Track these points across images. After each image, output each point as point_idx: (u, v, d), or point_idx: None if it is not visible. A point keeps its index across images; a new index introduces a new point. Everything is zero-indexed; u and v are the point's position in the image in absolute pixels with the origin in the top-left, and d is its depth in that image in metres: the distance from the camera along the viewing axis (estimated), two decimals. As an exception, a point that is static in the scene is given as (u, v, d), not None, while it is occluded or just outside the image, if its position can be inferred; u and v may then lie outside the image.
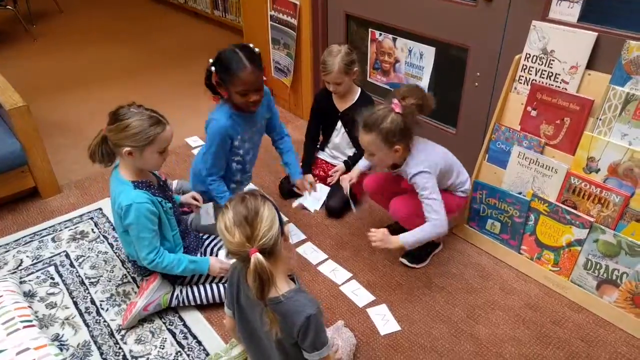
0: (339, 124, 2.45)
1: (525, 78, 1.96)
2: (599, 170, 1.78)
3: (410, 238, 1.78)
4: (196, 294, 1.85)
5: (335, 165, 2.54)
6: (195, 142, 3.00)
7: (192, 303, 1.86)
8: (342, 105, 2.41)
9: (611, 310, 1.82)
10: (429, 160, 1.82)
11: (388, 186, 2.08)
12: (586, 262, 1.86)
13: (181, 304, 1.86)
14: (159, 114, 1.69)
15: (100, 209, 2.43)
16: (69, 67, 4.15)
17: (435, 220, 1.78)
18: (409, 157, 1.84)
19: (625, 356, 1.70)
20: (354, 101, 2.38)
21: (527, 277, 2.03)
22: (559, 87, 1.87)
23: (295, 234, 2.25)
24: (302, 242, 2.23)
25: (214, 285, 1.87)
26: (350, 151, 2.50)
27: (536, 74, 1.92)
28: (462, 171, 2.00)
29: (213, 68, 1.88)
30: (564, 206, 1.87)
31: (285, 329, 1.25)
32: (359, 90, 2.40)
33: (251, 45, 1.90)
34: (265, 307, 1.21)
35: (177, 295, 1.85)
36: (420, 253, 2.10)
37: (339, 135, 2.48)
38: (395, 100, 1.76)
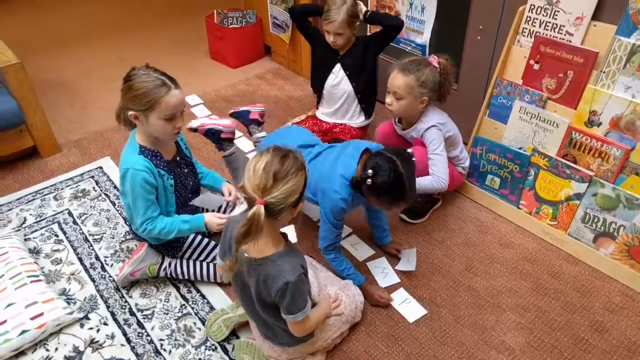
0: (338, 66, 2.37)
1: (529, 30, 1.92)
2: (600, 124, 1.77)
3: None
4: (185, 268, 1.80)
5: (329, 123, 2.51)
6: (194, 100, 2.97)
7: (181, 277, 1.82)
8: (341, 50, 2.35)
9: (607, 262, 1.85)
10: (441, 120, 1.90)
11: (398, 137, 2.09)
12: (584, 216, 1.88)
13: (169, 276, 1.83)
14: (169, 76, 1.56)
15: (101, 167, 2.43)
16: (60, 25, 4.05)
17: (437, 176, 1.86)
18: (423, 116, 1.92)
19: (618, 305, 1.75)
20: (350, 46, 2.34)
21: (525, 231, 2.05)
22: (563, 39, 1.83)
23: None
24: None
25: (204, 264, 1.81)
26: (342, 107, 2.45)
27: (540, 26, 1.88)
28: (464, 148, 2.08)
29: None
30: (564, 160, 1.87)
31: (265, 289, 1.30)
32: (354, 38, 2.35)
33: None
34: (235, 252, 1.24)
35: (166, 267, 1.80)
36: (420, 209, 2.12)
37: (337, 79, 2.39)
38: (434, 56, 1.87)
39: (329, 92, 2.45)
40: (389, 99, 1.89)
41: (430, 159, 1.88)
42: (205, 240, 1.84)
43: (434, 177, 1.86)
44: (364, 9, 2.28)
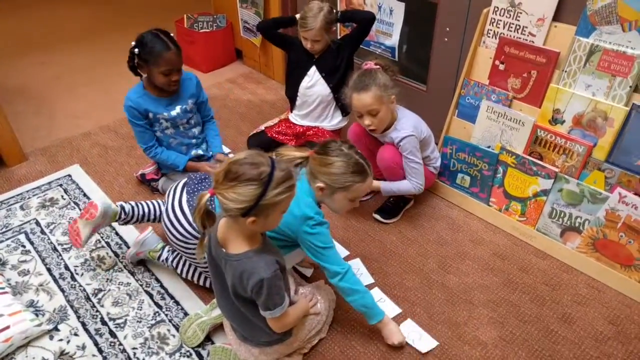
0: (313, 69, 2.38)
1: (494, 32, 1.97)
2: (564, 121, 1.83)
3: (388, 186, 2.03)
4: (180, 265, 1.82)
5: (302, 126, 2.51)
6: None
7: (176, 271, 1.84)
8: (316, 53, 2.36)
9: (574, 255, 1.90)
10: (414, 126, 1.94)
11: (369, 138, 2.11)
12: (551, 211, 1.93)
13: (166, 266, 1.86)
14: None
15: (70, 175, 2.37)
16: (25, 29, 3.95)
17: (415, 183, 1.98)
18: (396, 123, 1.95)
19: (585, 297, 1.80)
20: (325, 48, 2.34)
21: (495, 227, 2.10)
22: (526, 40, 1.88)
23: None
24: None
25: (202, 275, 1.79)
26: (316, 110, 2.47)
27: (504, 27, 1.93)
28: (435, 147, 2.12)
29: (136, 50, 1.95)
30: (530, 158, 1.92)
31: (240, 285, 1.30)
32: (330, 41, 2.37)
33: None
34: (200, 235, 1.29)
35: (163, 260, 1.83)
36: (393, 208, 2.14)
37: (311, 81, 2.39)
38: (367, 62, 1.90)
39: (303, 95, 2.45)
40: (367, 121, 1.89)
41: (409, 167, 1.95)
42: None
43: (413, 183, 1.98)
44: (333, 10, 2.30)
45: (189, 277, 1.81)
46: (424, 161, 2.05)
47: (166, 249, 1.85)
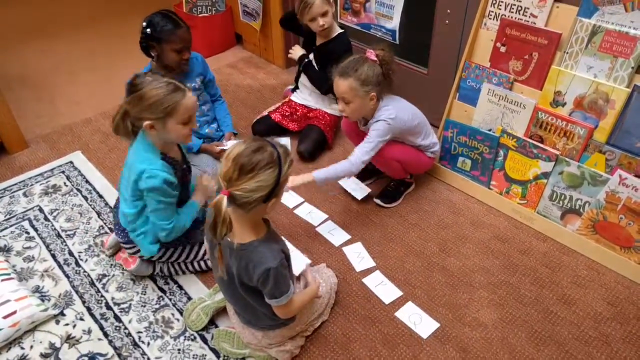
0: (311, 56, 2.41)
1: (495, 13, 1.95)
2: (565, 104, 1.82)
3: (322, 174, 1.86)
4: (177, 269, 1.82)
5: (305, 107, 2.53)
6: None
7: (177, 274, 1.85)
8: (319, 41, 2.38)
9: (574, 238, 1.91)
10: (395, 115, 1.87)
11: (360, 132, 2.09)
12: (552, 194, 1.93)
13: (165, 273, 1.84)
14: (177, 80, 1.55)
15: (72, 162, 2.38)
16: (25, 16, 3.93)
17: (352, 160, 1.86)
18: (376, 113, 1.90)
19: (585, 278, 1.81)
20: (330, 38, 2.35)
21: (496, 211, 2.10)
22: (527, 21, 1.86)
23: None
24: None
25: (195, 264, 1.82)
26: (313, 95, 2.49)
27: (505, 9, 1.91)
28: (431, 134, 2.07)
29: (148, 30, 1.97)
30: (531, 141, 1.92)
31: (246, 275, 1.31)
32: (339, 30, 2.37)
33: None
34: (217, 244, 1.26)
35: (157, 272, 1.83)
36: (394, 193, 2.15)
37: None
38: (370, 50, 1.84)
39: (303, 78, 2.51)
40: (340, 106, 1.90)
41: (362, 144, 1.88)
42: (196, 245, 1.81)
43: (350, 160, 1.86)
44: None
45: (189, 271, 1.83)
46: (420, 147, 2.04)
47: (156, 263, 1.82)
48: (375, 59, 1.83)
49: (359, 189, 2.16)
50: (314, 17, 2.24)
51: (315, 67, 2.40)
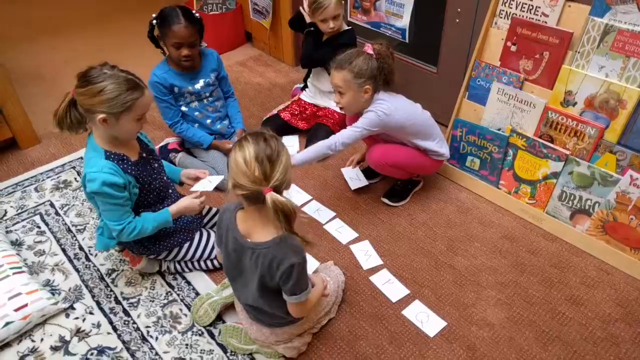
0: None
1: (506, 12, 1.94)
2: (575, 103, 1.81)
3: (300, 156, 1.89)
4: (183, 267, 1.83)
5: (314, 107, 2.55)
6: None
7: (184, 271, 1.85)
8: (326, 38, 2.40)
9: (583, 238, 1.90)
10: (389, 112, 1.85)
11: None
12: (561, 194, 1.92)
13: (172, 271, 1.85)
14: (136, 76, 1.51)
15: (82, 158, 2.41)
16: (34, 14, 3.96)
17: (333, 141, 1.87)
18: (372, 103, 1.89)
19: (594, 279, 1.80)
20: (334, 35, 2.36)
21: (504, 210, 2.10)
22: (539, 20, 1.85)
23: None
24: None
25: (202, 263, 1.82)
26: (325, 87, 2.49)
27: (516, 8, 1.90)
28: (437, 139, 2.01)
29: (155, 22, 2.03)
30: (541, 140, 1.91)
31: (269, 273, 1.31)
32: (346, 28, 2.39)
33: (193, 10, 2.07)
34: (288, 234, 1.25)
35: (165, 270, 1.84)
36: (401, 191, 2.15)
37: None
38: (369, 44, 1.85)
39: (311, 77, 2.54)
40: (336, 98, 1.92)
41: (347, 129, 1.89)
42: (202, 244, 1.80)
43: (330, 140, 1.88)
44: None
45: (195, 269, 1.84)
46: (426, 153, 2.00)
47: (164, 265, 1.84)
48: (372, 52, 1.84)
49: (356, 179, 2.19)
50: (326, 19, 2.25)
51: (312, 41, 2.39)
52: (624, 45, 1.64)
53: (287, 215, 1.20)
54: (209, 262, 1.82)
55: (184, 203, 1.69)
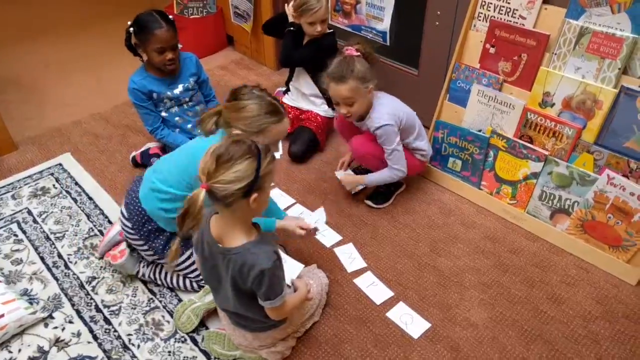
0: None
1: (485, 15, 1.96)
2: (553, 104, 1.84)
3: (372, 177, 2.03)
4: (157, 275, 1.77)
5: (297, 109, 2.53)
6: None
7: (158, 283, 1.78)
8: (309, 38, 2.40)
9: (563, 237, 1.93)
10: (391, 114, 1.90)
11: (353, 127, 2.10)
12: (541, 194, 1.94)
13: (146, 279, 1.80)
14: (280, 103, 1.57)
15: (61, 164, 2.36)
16: (13, 18, 3.89)
17: (396, 170, 1.98)
18: (371, 111, 1.92)
19: (574, 278, 1.83)
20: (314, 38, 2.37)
21: (486, 211, 2.12)
22: (516, 23, 1.88)
23: None
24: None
25: (181, 277, 1.75)
26: (307, 90, 2.49)
27: (495, 10, 1.93)
28: (423, 135, 2.08)
29: (132, 29, 2.01)
30: (520, 141, 1.93)
31: (241, 278, 1.30)
32: (328, 31, 2.40)
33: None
34: (177, 237, 1.26)
35: (142, 273, 1.79)
36: (384, 193, 2.15)
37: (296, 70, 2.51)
38: (349, 47, 1.86)
39: (293, 80, 2.54)
40: (343, 110, 1.90)
41: (388, 155, 1.94)
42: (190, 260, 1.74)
43: (392, 170, 1.98)
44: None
45: (171, 284, 1.77)
46: (412, 152, 2.05)
47: (141, 264, 1.79)
48: (358, 53, 1.85)
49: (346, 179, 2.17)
50: (314, 22, 2.26)
51: (292, 41, 2.39)
52: (599, 47, 1.67)
53: (187, 212, 1.16)
54: (194, 283, 1.74)
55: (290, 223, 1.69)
